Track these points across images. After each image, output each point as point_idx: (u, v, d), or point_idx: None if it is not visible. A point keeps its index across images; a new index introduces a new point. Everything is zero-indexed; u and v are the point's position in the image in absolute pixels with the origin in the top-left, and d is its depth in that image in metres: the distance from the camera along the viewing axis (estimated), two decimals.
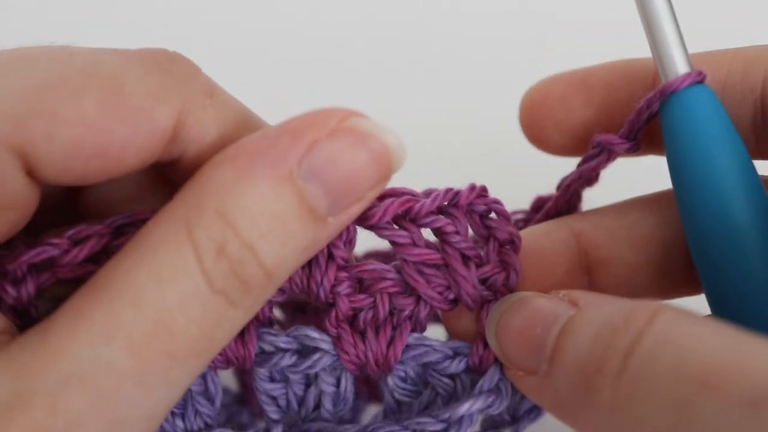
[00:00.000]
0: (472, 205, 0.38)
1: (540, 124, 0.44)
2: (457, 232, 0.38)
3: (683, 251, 0.41)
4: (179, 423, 0.41)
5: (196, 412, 0.41)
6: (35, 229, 0.37)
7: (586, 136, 0.43)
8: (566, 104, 0.43)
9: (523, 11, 0.79)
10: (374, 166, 0.34)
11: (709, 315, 0.38)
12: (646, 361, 0.30)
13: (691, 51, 0.38)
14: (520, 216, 0.46)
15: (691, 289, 0.42)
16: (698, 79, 0.37)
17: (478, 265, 0.39)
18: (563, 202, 0.44)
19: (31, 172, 0.33)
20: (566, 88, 0.43)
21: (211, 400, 0.41)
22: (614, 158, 0.40)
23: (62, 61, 0.33)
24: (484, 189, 0.39)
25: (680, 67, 0.37)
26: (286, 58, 0.77)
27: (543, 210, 0.44)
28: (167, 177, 0.39)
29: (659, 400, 0.29)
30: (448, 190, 0.38)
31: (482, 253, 0.39)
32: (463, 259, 0.38)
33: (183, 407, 0.41)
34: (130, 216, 0.37)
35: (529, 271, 0.40)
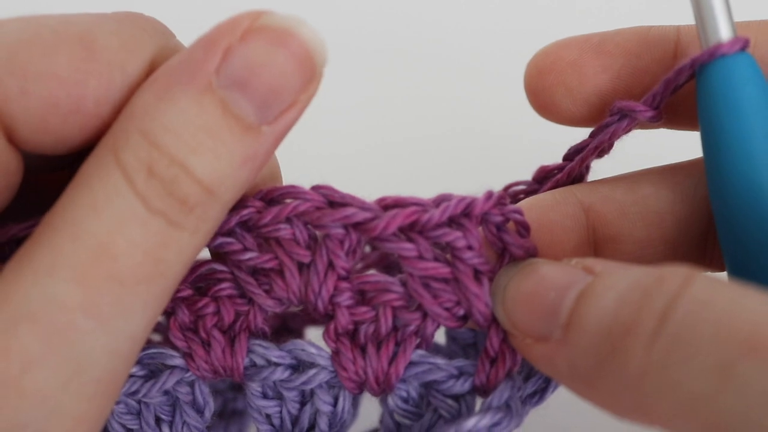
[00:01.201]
0: (488, 215, 0.35)
1: (549, 91, 0.41)
2: (470, 247, 0.34)
3: (698, 228, 0.39)
4: (166, 430, 0.39)
5: (184, 422, 0.39)
6: None
7: (600, 105, 0.40)
8: (580, 70, 0.40)
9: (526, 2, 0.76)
10: (296, 65, 0.32)
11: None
12: (686, 323, 0.28)
13: None
14: (521, 187, 0.42)
15: (702, 267, 0.40)
16: (745, 45, 0.35)
17: (491, 279, 0.35)
18: (569, 175, 0.41)
19: (8, 134, 0.32)
20: (580, 53, 0.40)
21: (199, 411, 0.39)
22: (633, 127, 0.38)
23: (32, 22, 0.33)
24: (502, 197, 0.35)
25: (724, 32, 0.35)
26: None
27: (553, 180, 0.41)
28: None
29: (701, 364, 0.27)
30: (461, 200, 0.34)
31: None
32: (475, 275, 0.35)
33: (171, 414, 0.39)
34: None
35: (536, 246, 0.37)
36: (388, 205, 0.35)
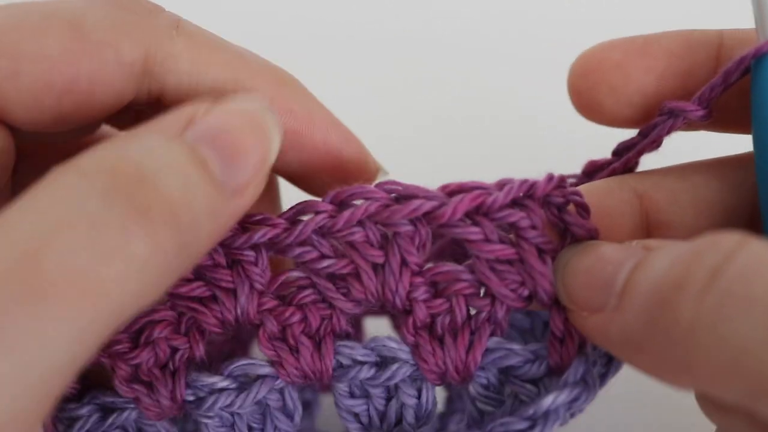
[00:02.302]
0: (549, 197, 0.37)
1: (594, 92, 0.42)
2: (534, 227, 0.36)
3: (745, 218, 0.40)
4: None
5: (275, 427, 0.40)
6: None
7: (643, 106, 0.41)
8: (624, 71, 0.41)
9: None
10: (252, 129, 0.33)
11: None
12: (738, 279, 0.29)
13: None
14: (571, 182, 0.43)
15: None
16: None
17: (554, 259, 0.37)
18: (623, 168, 0.42)
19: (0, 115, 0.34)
20: (624, 55, 0.41)
21: (289, 416, 0.40)
22: (680, 126, 0.39)
23: (21, 8, 0.34)
24: (562, 179, 0.37)
25: None
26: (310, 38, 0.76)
27: (609, 169, 0.43)
28: None
29: (753, 319, 0.28)
30: (524, 182, 0.36)
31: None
32: (539, 254, 0.36)
33: (262, 422, 0.40)
34: None
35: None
36: (452, 191, 0.36)
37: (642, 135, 0.42)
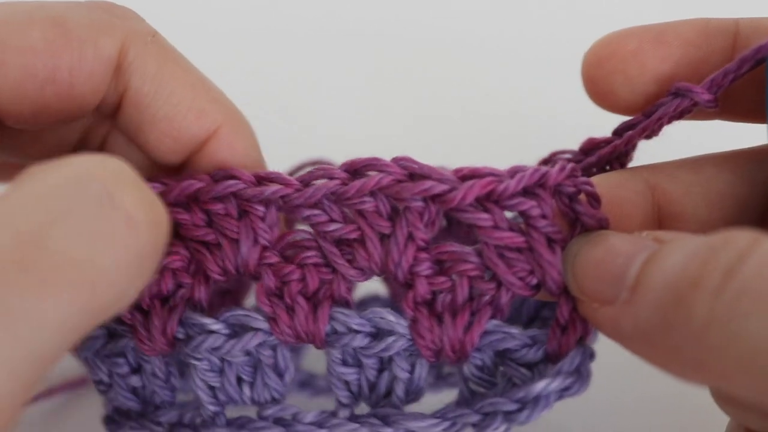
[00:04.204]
0: (561, 186, 0.36)
1: (608, 80, 0.41)
2: (544, 216, 0.36)
3: (758, 212, 0.40)
4: (246, 390, 0.41)
5: (265, 384, 0.41)
6: None
7: (658, 95, 0.41)
8: (640, 60, 0.41)
9: None
10: None
11: None
12: (753, 278, 0.29)
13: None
14: (567, 156, 0.43)
15: None
16: None
17: (564, 249, 0.36)
18: (624, 146, 0.41)
19: None
20: (640, 43, 0.41)
21: (280, 374, 0.41)
22: (690, 111, 0.39)
23: (6, 5, 0.37)
24: (574, 169, 0.36)
25: None
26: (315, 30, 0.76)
27: (606, 149, 0.42)
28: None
29: (767, 318, 0.28)
30: (536, 170, 0.36)
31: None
32: (549, 243, 0.36)
33: (252, 375, 0.41)
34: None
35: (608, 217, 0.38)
36: (465, 175, 0.36)
37: (645, 115, 0.41)
